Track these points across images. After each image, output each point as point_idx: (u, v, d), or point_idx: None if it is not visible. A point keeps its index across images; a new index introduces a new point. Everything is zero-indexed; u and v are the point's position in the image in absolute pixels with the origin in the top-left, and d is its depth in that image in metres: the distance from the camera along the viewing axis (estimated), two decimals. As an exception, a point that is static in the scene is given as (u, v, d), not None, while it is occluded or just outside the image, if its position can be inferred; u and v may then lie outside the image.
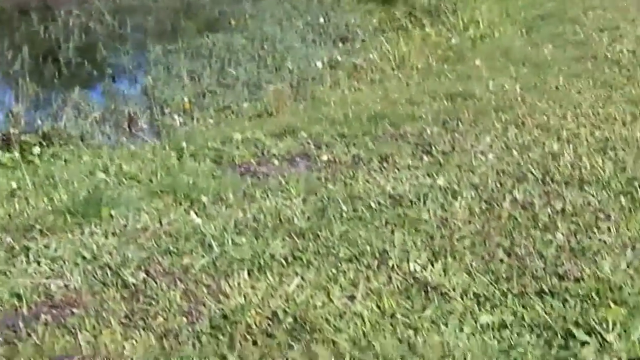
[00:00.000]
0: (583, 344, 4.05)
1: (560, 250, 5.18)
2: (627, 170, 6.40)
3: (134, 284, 5.05)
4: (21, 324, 4.64)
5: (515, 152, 7.10)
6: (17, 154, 8.84)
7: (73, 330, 4.56)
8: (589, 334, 4.17)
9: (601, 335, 4.14)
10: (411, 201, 6.10)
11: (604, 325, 4.20)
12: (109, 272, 5.24)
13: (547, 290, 4.71)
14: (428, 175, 6.71)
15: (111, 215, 6.15)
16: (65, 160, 8.40)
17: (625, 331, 4.15)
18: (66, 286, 5.10)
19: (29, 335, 4.52)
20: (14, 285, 5.07)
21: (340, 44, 15.56)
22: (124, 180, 7.18)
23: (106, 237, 5.80)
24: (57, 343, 4.44)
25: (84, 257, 5.45)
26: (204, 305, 4.80)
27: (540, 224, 5.53)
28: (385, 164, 7.19)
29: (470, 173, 6.65)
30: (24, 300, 4.91)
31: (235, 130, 8.61)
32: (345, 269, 5.13)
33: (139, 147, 8.98)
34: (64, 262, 5.40)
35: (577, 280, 4.78)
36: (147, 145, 8.98)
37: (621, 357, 3.94)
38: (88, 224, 6.04)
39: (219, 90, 12.61)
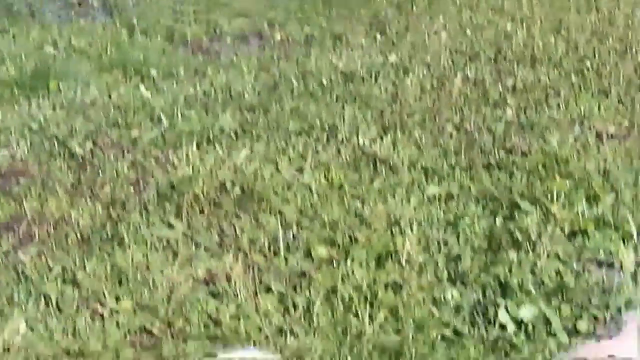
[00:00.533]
0: (527, 214, 4.09)
1: (509, 125, 5.21)
2: (579, 50, 6.40)
3: (81, 155, 5.01)
4: (-34, 194, 4.60)
5: (468, 32, 7.08)
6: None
7: (19, 198, 4.52)
8: (533, 204, 4.21)
9: (545, 207, 4.18)
10: (363, 78, 6.08)
11: (549, 197, 4.24)
12: (56, 143, 5.19)
13: (494, 164, 4.74)
14: (381, 53, 6.68)
15: (59, 88, 6.07)
16: (13, 36, 8.22)
17: (569, 203, 4.20)
18: (13, 157, 5.05)
19: (-27, 204, 4.49)
20: (-41, 153, 5.02)
21: None
22: (73, 54, 7.07)
23: (54, 109, 5.73)
24: (2, 209, 4.41)
25: (30, 129, 5.39)
26: (152, 175, 4.78)
27: (490, 101, 5.55)
28: (338, 43, 7.15)
29: (423, 51, 6.62)
30: (-30, 169, 4.86)
31: (188, 9, 8.47)
32: (295, 142, 5.12)
33: (89, 24, 8.81)
34: (11, 133, 5.34)
35: (524, 154, 4.82)
36: (97, 22, 8.81)
37: (564, 227, 3.99)
38: (36, 96, 5.96)
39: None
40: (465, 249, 3.89)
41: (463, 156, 4.84)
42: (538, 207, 4.18)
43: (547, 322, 3.32)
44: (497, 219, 4.15)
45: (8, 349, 3.28)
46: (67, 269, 3.86)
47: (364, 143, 5.08)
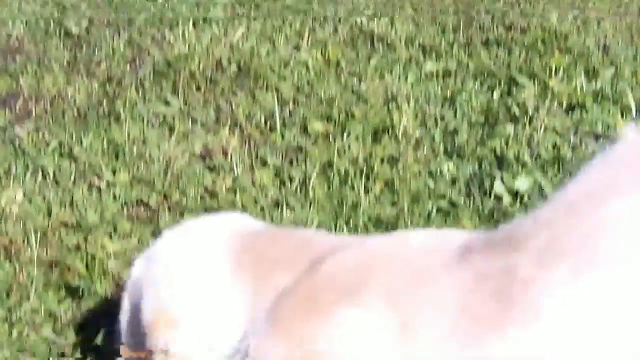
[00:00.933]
0: (525, 88, 4.06)
1: (507, 4, 5.14)
2: None
3: (76, 34, 4.96)
4: (-38, 69, 4.58)
5: None
6: None
7: (15, 75, 4.49)
8: (531, 79, 4.18)
9: (544, 81, 4.15)
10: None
11: (547, 72, 4.21)
12: (51, 21, 5.13)
13: (492, 40, 4.70)
14: None
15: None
16: None
17: (568, 77, 4.17)
18: (8, 35, 5.00)
19: (-31, 80, 4.46)
20: (-47, 31, 4.98)
21: None
22: None
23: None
24: (-1, 86, 4.40)
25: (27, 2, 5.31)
26: (148, 53, 4.74)
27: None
28: None
29: None
30: (-36, 47, 4.83)
31: None
32: (292, 20, 5.06)
33: None
34: (7, 11, 5.26)
35: (523, 30, 4.76)
36: None
37: (562, 101, 3.97)
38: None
39: None
40: (462, 124, 3.88)
41: (461, 33, 4.79)
42: (536, 82, 4.15)
43: (543, 193, 3.32)
44: (494, 93, 4.13)
45: (5, 218, 3.30)
46: (64, 143, 3.86)
47: (361, 21, 5.02)
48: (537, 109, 3.85)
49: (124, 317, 2.55)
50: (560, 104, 3.95)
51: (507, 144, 3.63)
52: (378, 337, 2.05)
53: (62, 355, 2.76)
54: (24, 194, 3.42)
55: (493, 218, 3.28)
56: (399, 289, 2.09)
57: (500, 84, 4.22)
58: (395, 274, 2.12)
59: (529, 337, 1.92)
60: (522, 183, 3.37)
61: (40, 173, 3.67)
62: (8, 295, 2.97)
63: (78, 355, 2.75)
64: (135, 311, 2.48)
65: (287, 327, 2.17)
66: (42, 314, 2.91)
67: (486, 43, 4.69)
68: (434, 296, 2.05)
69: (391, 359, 2.02)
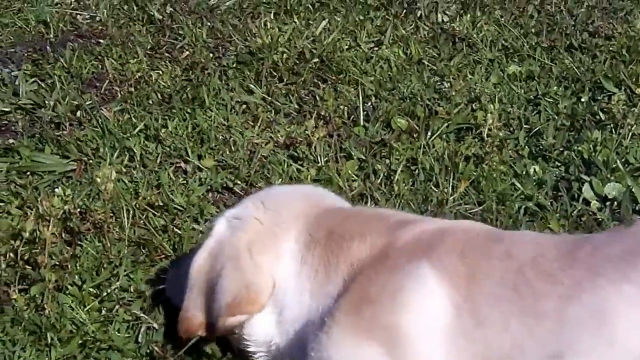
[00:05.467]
0: (612, 95, 4.03)
1: (591, 9, 5.11)
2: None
3: (159, 20, 5.00)
4: (49, 49, 4.62)
5: None
6: None
7: (100, 58, 4.54)
8: (618, 86, 4.16)
9: (630, 89, 4.12)
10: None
11: (634, 79, 4.17)
12: (134, 6, 5.17)
13: (576, 46, 4.67)
14: None
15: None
16: None
17: (654, 84, 4.14)
18: (92, 18, 5.06)
19: (56, 60, 4.51)
20: (40, 12, 5.03)
21: None
22: None
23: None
24: (85, 67, 4.44)
25: (109, -9, 5.37)
26: (230, 42, 4.77)
27: (573, -16, 5.42)
28: None
29: None
30: (51, 28, 4.88)
31: None
32: (373, 16, 5.07)
33: None
34: (90, -4, 5.34)
35: (607, 37, 4.73)
36: None
37: (648, 109, 3.94)
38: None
39: None
40: (547, 127, 3.86)
41: (544, 37, 4.77)
42: (622, 89, 4.13)
43: (634, 199, 3.30)
44: (579, 99, 4.10)
45: (98, 194, 3.34)
46: (150, 126, 3.89)
47: (443, 20, 5.02)
48: (624, 115, 3.81)
49: (199, 276, 2.55)
50: (647, 111, 3.92)
51: (594, 149, 3.60)
52: (446, 286, 2.16)
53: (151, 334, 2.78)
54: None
55: (581, 222, 3.25)
56: (471, 248, 2.24)
57: (585, 88, 4.19)
58: (467, 239, 2.29)
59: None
60: (612, 188, 3.34)
61: (127, 154, 3.71)
62: (98, 272, 3.00)
63: (164, 335, 2.77)
64: (213, 278, 2.50)
65: (363, 285, 2.22)
66: (132, 292, 2.93)
67: (569, 48, 4.65)
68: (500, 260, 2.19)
69: (456, 302, 2.13)
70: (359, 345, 2.18)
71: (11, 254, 2.94)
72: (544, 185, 3.47)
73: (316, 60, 4.53)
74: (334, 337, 2.22)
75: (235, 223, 2.56)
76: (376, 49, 4.72)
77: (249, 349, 2.56)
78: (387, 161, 3.70)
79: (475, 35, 4.80)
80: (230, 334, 2.58)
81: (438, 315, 2.14)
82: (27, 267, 2.94)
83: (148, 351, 2.70)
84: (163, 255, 3.13)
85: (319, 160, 3.67)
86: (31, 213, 3.15)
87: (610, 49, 4.57)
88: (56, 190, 3.12)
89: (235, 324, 2.50)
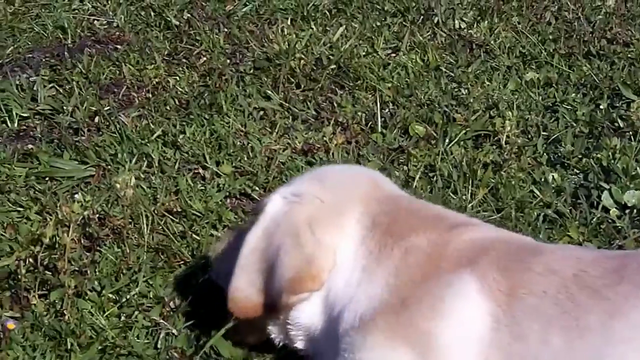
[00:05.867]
0: (630, 103, 4.01)
1: (609, 16, 5.09)
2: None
3: (176, 25, 5.01)
4: (66, 54, 4.64)
5: None
6: None
7: (118, 64, 4.55)
8: (636, 93, 4.14)
9: (649, 96, 4.12)
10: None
11: (653, 87, 4.17)
12: (152, 13, 5.18)
13: (594, 53, 4.65)
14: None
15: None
16: None
17: (673, 93, 4.12)
18: (109, 23, 5.07)
19: (74, 65, 4.52)
20: (57, 18, 5.04)
21: None
22: None
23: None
24: (103, 73, 4.45)
25: (125, -3, 5.39)
26: (247, 48, 4.77)
27: (590, -10, 5.41)
28: None
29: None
30: (69, 34, 4.89)
31: None
32: (390, 22, 5.07)
33: None
34: (107, 1, 5.34)
35: (626, 44, 4.72)
36: None
37: (667, 117, 3.91)
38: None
39: None
40: (565, 134, 3.85)
41: (562, 44, 4.75)
42: (641, 97, 4.12)
43: (655, 207, 3.29)
44: (598, 106, 4.09)
45: (117, 200, 3.35)
46: (168, 132, 3.90)
47: (460, 26, 5.01)
48: (644, 123, 3.80)
49: (254, 255, 2.50)
50: (666, 119, 3.90)
51: (613, 156, 3.59)
52: (487, 299, 2.16)
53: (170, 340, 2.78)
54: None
55: (600, 230, 3.24)
56: (512, 262, 2.23)
57: (603, 96, 4.18)
58: (509, 251, 2.29)
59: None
60: (631, 196, 3.33)
61: (145, 160, 3.71)
62: (117, 278, 3.00)
63: (185, 341, 2.77)
64: (271, 255, 2.46)
65: (407, 287, 2.22)
66: (151, 298, 2.94)
67: (587, 55, 4.64)
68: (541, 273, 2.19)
69: (496, 316, 2.13)
70: (393, 350, 2.18)
71: (31, 260, 2.95)
72: (562, 193, 3.46)
73: (333, 66, 4.53)
74: (369, 339, 2.22)
75: (293, 199, 2.50)
76: (393, 55, 4.72)
77: (291, 333, 2.51)
78: (405, 168, 3.70)
79: (492, 42, 4.80)
80: (277, 318, 2.53)
81: (476, 328, 2.14)
82: (46, 272, 2.95)
83: (167, 357, 2.71)
84: (182, 261, 3.14)
85: (337, 167, 3.67)
86: (50, 219, 3.16)
87: (629, 55, 4.56)
88: (76, 195, 3.14)
89: (296, 302, 2.44)
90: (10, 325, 2.67)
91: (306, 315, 2.46)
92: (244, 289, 2.49)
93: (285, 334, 2.54)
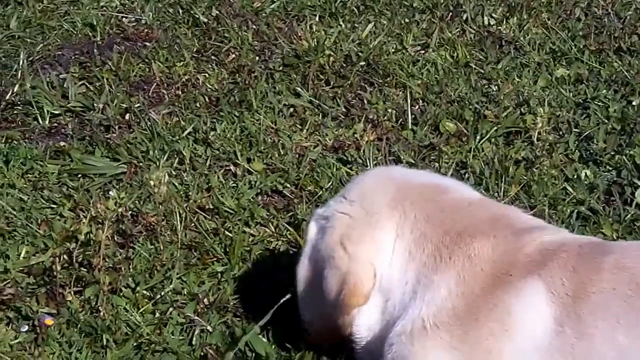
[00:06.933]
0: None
1: (638, 11, 5.06)
2: None
3: (205, 23, 5.01)
4: (96, 52, 4.65)
5: None
6: None
7: (147, 61, 4.56)
8: (668, 89, 4.12)
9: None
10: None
11: (685, 83, 4.14)
12: (180, 10, 5.19)
13: (625, 49, 4.63)
14: None
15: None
16: None
17: None
18: (138, 21, 5.08)
19: (103, 62, 4.53)
20: (86, 15, 5.06)
21: None
22: None
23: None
24: (132, 70, 4.46)
25: (154, -6, 5.39)
26: (276, 45, 4.77)
27: (620, -14, 5.37)
28: None
29: None
30: (97, 31, 4.90)
31: None
32: (419, 19, 5.05)
33: None
34: (135, -1, 5.36)
35: (657, 40, 4.69)
36: None
37: None
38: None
39: None
40: (597, 131, 3.83)
41: (592, 40, 4.73)
42: (673, 93, 4.09)
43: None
44: (630, 102, 4.07)
45: (149, 197, 3.36)
46: (198, 129, 3.91)
47: (489, 23, 5.00)
48: (677, 119, 3.78)
49: (306, 286, 2.54)
50: (699, 116, 3.87)
51: (647, 153, 3.57)
52: (554, 304, 2.13)
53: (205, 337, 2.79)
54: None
55: (635, 227, 3.23)
56: (583, 262, 2.20)
57: (635, 92, 4.15)
58: (581, 253, 2.24)
59: None
60: (666, 193, 3.31)
61: (176, 157, 3.72)
62: (151, 275, 3.01)
63: (220, 338, 2.77)
64: (318, 282, 2.48)
65: (473, 295, 2.20)
66: (185, 295, 2.94)
67: (618, 51, 4.62)
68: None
69: (560, 319, 2.11)
70: None
71: (65, 256, 2.96)
72: (595, 190, 3.44)
73: (362, 63, 4.53)
74: (432, 354, 2.20)
75: (323, 223, 2.52)
76: (422, 52, 4.71)
77: (356, 337, 2.50)
78: (437, 165, 3.69)
79: (522, 38, 4.78)
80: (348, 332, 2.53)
81: (539, 336, 2.11)
82: (81, 269, 2.96)
83: (202, 354, 2.71)
84: (215, 258, 3.14)
85: (368, 164, 3.67)
86: (84, 215, 3.17)
87: (660, 52, 4.53)
88: (110, 193, 3.14)
89: (352, 320, 2.45)
90: (49, 321, 2.68)
91: (366, 324, 2.46)
92: (310, 319, 2.57)
93: (352, 339, 2.53)
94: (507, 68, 4.50)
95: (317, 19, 5.05)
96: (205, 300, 2.92)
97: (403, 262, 2.39)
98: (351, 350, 2.57)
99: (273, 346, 2.70)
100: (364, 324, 2.46)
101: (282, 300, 2.63)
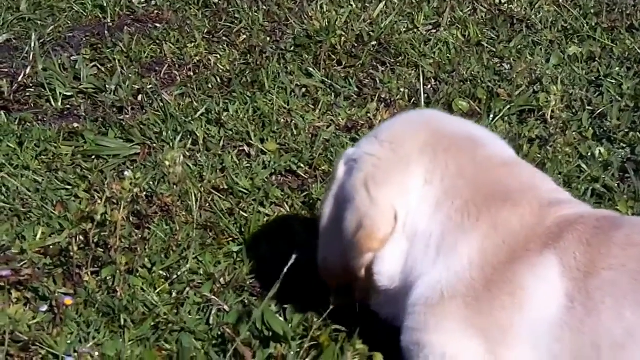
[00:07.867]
0: (676, 76, 3.99)
1: (651, -12, 5.04)
2: None
3: (215, 4, 5.00)
4: (107, 33, 4.65)
5: None
6: None
7: (158, 42, 4.56)
8: (682, 67, 4.11)
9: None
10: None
11: (698, 60, 4.12)
12: (190, -10, 5.18)
13: (637, 26, 4.61)
14: None
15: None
16: None
17: None
18: (148, 2, 5.07)
19: (114, 44, 4.53)
20: (96, -4, 5.06)
21: None
22: None
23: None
24: (144, 52, 4.45)
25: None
26: (287, 26, 4.76)
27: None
28: None
29: None
30: (108, 13, 4.90)
31: None
32: (430, -3, 5.04)
33: None
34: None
35: (670, 17, 4.67)
36: None
37: None
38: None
39: None
40: (610, 108, 3.82)
41: (604, 18, 4.71)
42: (687, 70, 4.08)
43: None
44: (643, 79, 4.06)
45: (163, 178, 3.36)
46: (211, 110, 3.90)
47: (500, 1, 4.98)
48: (690, 96, 3.77)
49: (329, 224, 2.53)
50: None
51: (661, 130, 3.57)
52: (567, 279, 2.12)
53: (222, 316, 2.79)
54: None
55: (650, 204, 3.22)
56: (597, 235, 2.17)
57: (648, 70, 4.15)
58: (597, 226, 2.21)
59: None
60: (681, 177, 3.30)
61: (189, 138, 3.72)
62: (167, 255, 3.02)
63: (236, 317, 2.77)
64: (339, 218, 2.47)
65: (491, 272, 2.19)
66: (201, 275, 2.95)
67: (630, 29, 4.60)
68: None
69: (571, 294, 2.09)
70: (468, 339, 2.16)
71: (81, 237, 2.97)
72: (610, 167, 3.44)
73: (374, 43, 4.52)
74: (445, 323, 2.20)
75: (351, 165, 2.47)
76: (434, 31, 4.70)
77: (379, 284, 2.45)
78: (450, 143, 3.67)
79: (534, 17, 4.77)
80: (362, 280, 2.50)
81: (551, 312, 2.09)
82: (98, 249, 2.96)
83: (219, 333, 2.71)
84: (230, 238, 3.15)
85: (382, 143, 3.65)
86: (99, 196, 3.17)
87: (673, 28, 4.52)
88: (126, 173, 3.14)
89: (367, 262, 2.43)
90: (68, 301, 2.69)
91: (387, 269, 2.40)
92: (327, 257, 2.55)
93: (373, 288, 2.49)
94: (519, 46, 4.48)
95: (328, -2, 5.04)
96: (222, 279, 2.92)
97: (430, 211, 2.33)
98: (366, 306, 2.57)
99: (290, 325, 2.70)
100: (386, 272, 2.41)
101: (289, 264, 2.55)
